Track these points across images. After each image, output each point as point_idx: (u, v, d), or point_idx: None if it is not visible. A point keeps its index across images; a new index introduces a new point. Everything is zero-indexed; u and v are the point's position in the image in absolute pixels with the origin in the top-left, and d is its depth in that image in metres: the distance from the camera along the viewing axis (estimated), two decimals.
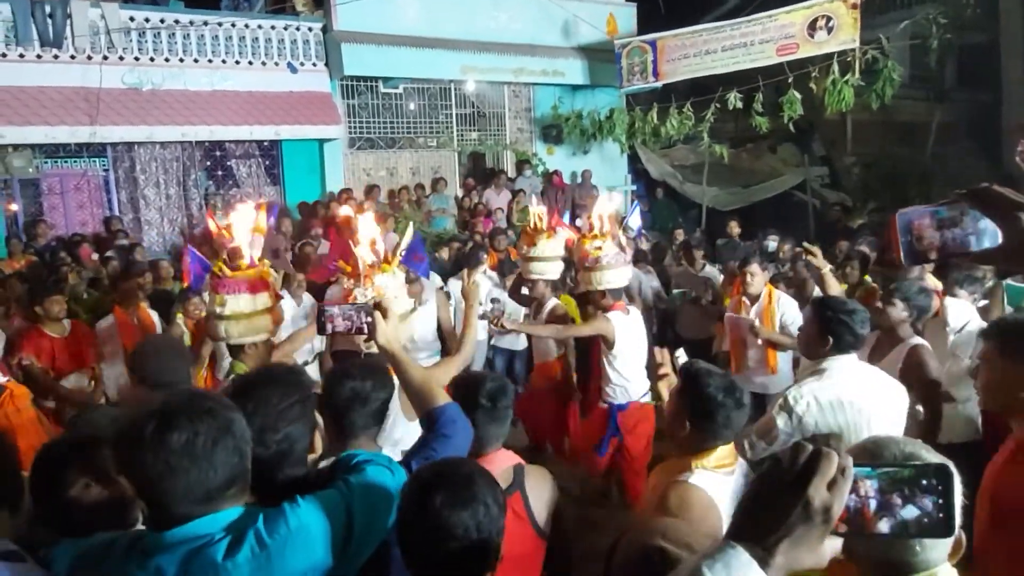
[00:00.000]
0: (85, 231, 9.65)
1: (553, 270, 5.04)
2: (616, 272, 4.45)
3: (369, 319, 1.94)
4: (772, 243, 7.57)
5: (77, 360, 5.07)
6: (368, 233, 3.09)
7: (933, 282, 4.56)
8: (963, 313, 4.20)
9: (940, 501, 0.84)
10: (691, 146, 12.78)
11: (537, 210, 5.03)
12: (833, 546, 0.86)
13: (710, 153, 11.31)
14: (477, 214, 10.26)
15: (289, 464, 1.58)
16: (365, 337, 2.03)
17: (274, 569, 1.34)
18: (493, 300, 6.06)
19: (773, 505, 0.85)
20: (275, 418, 1.56)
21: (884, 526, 0.85)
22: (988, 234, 1.01)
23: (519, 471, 2.30)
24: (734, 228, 8.85)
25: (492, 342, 6.52)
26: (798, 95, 9.78)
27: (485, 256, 6.64)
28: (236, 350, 3.11)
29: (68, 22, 8.97)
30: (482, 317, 5.70)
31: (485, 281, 6.40)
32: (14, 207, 9.71)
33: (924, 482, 0.84)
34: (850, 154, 14.59)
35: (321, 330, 1.99)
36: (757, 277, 5.00)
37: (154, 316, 5.70)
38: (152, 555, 1.31)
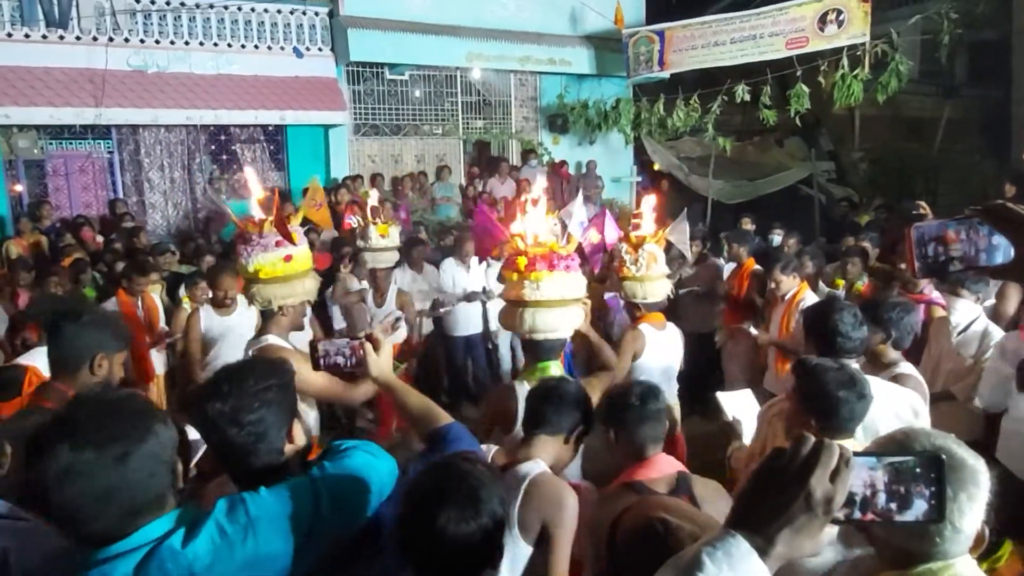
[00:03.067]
0: (89, 213, 9.67)
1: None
2: None
3: (361, 353, 1.93)
4: (777, 237, 7.53)
5: None
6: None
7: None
8: (968, 313, 4.18)
9: (933, 489, 0.88)
10: (697, 138, 12.70)
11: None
12: (828, 533, 0.87)
13: (715, 145, 11.26)
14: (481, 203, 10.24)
15: (264, 451, 1.57)
16: (360, 370, 1.99)
17: (236, 556, 1.35)
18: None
19: (775, 495, 0.87)
20: (250, 398, 1.56)
21: (883, 514, 0.89)
22: (1001, 249, 1.04)
23: (684, 479, 2.17)
24: (746, 223, 8.73)
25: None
26: (806, 89, 9.71)
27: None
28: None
29: (74, 3, 8.94)
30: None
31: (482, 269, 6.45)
32: (19, 188, 9.72)
33: (919, 471, 0.88)
34: (857, 149, 14.50)
35: (315, 366, 1.97)
36: (783, 284, 4.94)
37: (158, 301, 5.70)
38: (91, 569, 1.27)
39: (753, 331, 4.93)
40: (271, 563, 1.40)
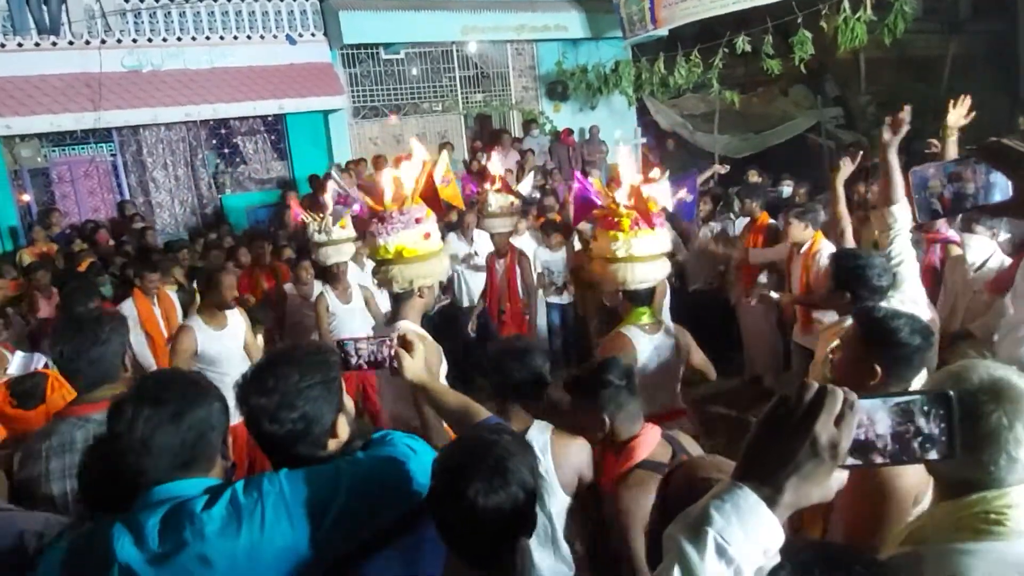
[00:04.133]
0: (98, 217, 9.72)
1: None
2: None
3: (393, 353, 1.91)
4: (787, 188, 7.45)
5: None
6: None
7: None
8: (983, 249, 4.14)
9: (943, 426, 0.87)
10: (700, 94, 12.54)
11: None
12: (839, 478, 0.87)
13: (720, 100, 11.10)
14: (485, 177, 10.19)
15: (303, 444, 1.57)
16: (391, 372, 1.99)
17: (243, 526, 1.41)
18: (545, 268, 6.29)
19: (781, 443, 0.86)
20: (293, 396, 1.54)
21: (896, 454, 0.88)
22: (999, 187, 1.03)
23: (673, 439, 2.28)
24: (753, 176, 8.66)
25: (545, 300, 6.54)
26: (808, 35, 9.51)
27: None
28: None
29: (63, 7, 8.89)
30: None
31: (529, 242, 6.41)
32: (26, 197, 9.78)
33: (927, 409, 0.87)
34: (864, 93, 14.27)
35: (344, 365, 1.92)
36: (793, 229, 4.88)
37: (175, 299, 5.71)
38: (135, 512, 1.44)
39: (774, 295, 4.88)
40: (277, 540, 1.42)
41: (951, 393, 0.88)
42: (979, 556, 1.25)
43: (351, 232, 5.07)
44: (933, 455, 0.87)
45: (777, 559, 0.87)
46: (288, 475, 1.49)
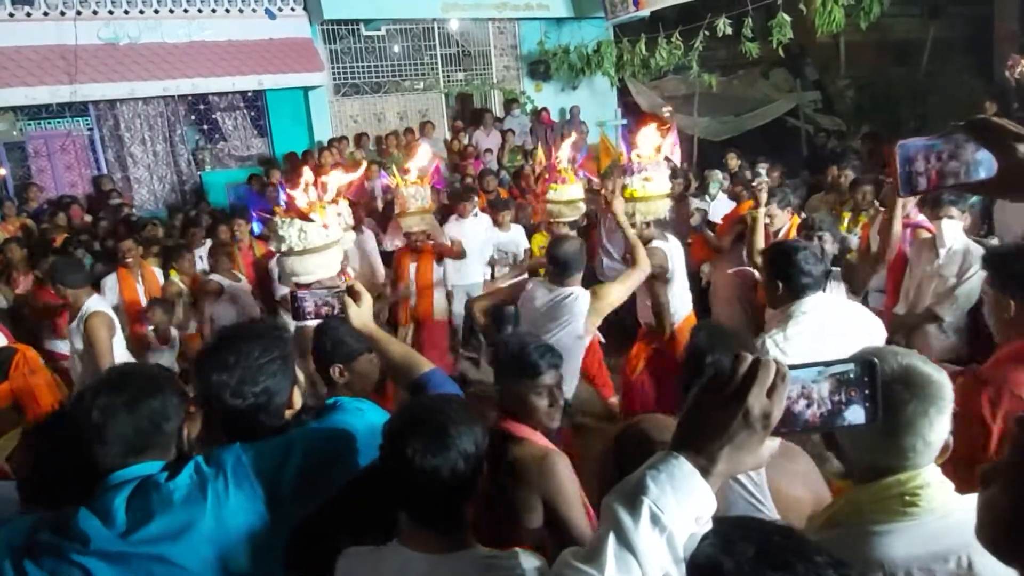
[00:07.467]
0: (75, 192, 9.62)
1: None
2: None
3: (341, 304, 1.97)
4: (762, 170, 7.53)
5: None
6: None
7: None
8: (956, 234, 4.22)
9: (867, 392, 0.90)
10: (681, 76, 12.56)
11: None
12: (771, 445, 0.90)
13: (700, 83, 11.14)
14: (467, 156, 10.22)
15: (266, 416, 1.64)
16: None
17: (208, 494, 1.47)
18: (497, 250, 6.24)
19: (715, 414, 0.89)
20: (254, 371, 1.61)
21: (828, 421, 0.91)
22: (984, 164, 1.02)
23: None
24: (732, 159, 8.72)
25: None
26: (787, 18, 9.55)
27: (476, 198, 6.63)
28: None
29: None
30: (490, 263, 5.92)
31: (479, 223, 6.40)
32: (2, 171, 9.64)
33: (853, 377, 0.90)
34: (843, 77, 14.36)
35: (296, 316, 2.01)
36: (776, 219, 4.84)
37: (158, 273, 5.69)
38: (98, 497, 1.48)
39: (758, 275, 4.78)
40: (242, 505, 1.50)
41: (875, 360, 0.91)
42: (895, 536, 1.32)
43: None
44: (860, 420, 0.91)
45: (709, 525, 0.89)
46: (243, 446, 1.56)
